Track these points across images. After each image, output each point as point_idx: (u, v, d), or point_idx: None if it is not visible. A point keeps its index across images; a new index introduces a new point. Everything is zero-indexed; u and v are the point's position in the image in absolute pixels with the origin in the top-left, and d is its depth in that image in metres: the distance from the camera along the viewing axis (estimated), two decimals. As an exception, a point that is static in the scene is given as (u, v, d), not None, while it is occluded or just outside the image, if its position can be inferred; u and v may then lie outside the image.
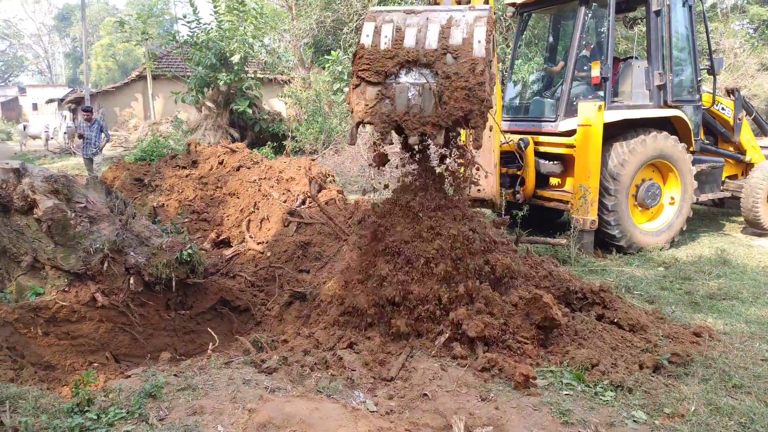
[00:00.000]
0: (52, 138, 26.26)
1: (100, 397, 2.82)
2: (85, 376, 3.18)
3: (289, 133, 16.69)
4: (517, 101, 8.63)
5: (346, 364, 3.46)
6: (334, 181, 7.96)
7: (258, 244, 6.60)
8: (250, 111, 16.97)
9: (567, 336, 3.85)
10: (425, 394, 3.15)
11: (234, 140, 15.37)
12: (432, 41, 3.77)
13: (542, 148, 7.53)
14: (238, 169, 8.30)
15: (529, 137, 7.50)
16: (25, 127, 28.66)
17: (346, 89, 20.25)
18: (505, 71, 9.00)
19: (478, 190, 7.37)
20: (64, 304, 4.16)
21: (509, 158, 7.71)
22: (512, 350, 3.64)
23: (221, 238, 7.09)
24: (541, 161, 7.49)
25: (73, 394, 3.00)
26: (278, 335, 4.25)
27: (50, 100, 43.26)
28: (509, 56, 10.51)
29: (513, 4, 8.26)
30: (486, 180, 7.29)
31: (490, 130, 6.99)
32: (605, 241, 7.16)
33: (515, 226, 6.86)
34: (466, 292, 3.77)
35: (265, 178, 7.75)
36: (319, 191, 7.31)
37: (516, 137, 7.56)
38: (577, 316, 4.14)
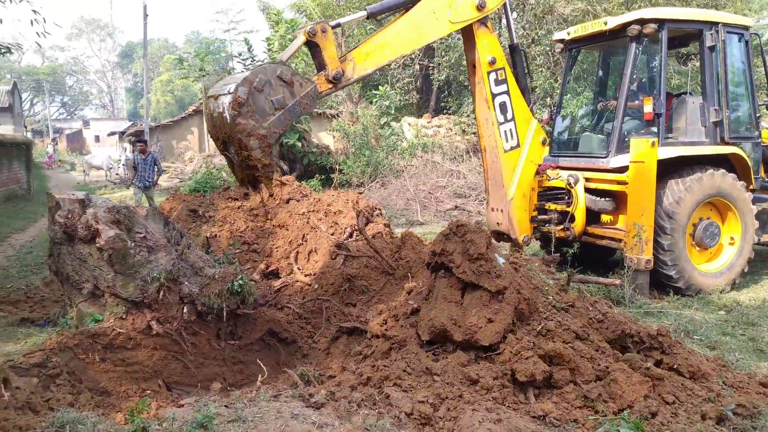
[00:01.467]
0: (115, 171, 27.60)
1: (154, 426, 2.89)
2: (140, 404, 3.26)
3: (337, 166, 16.99)
4: (566, 136, 8.54)
5: (393, 402, 3.42)
6: (381, 214, 7.99)
7: (305, 276, 6.67)
8: (299, 144, 17.40)
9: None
10: (474, 437, 3.07)
11: (284, 173, 15.71)
12: (226, 119, 5.14)
13: (592, 185, 7.40)
14: (287, 202, 8.45)
15: (578, 173, 7.39)
16: (88, 159, 30.29)
17: (393, 123, 20.64)
18: (554, 106, 8.93)
19: (498, 223, 7.47)
20: (121, 331, 4.29)
21: (559, 194, 7.60)
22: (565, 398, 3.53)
23: (270, 269, 7.19)
24: (592, 197, 7.34)
25: (128, 420, 3.08)
26: (325, 369, 4.25)
27: (112, 133, 45.78)
28: (558, 91, 10.47)
29: (561, 41, 8.26)
30: (502, 214, 7.35)
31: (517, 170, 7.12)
32: (661, 281, 6.90)
33: (565, 264, 6.71)
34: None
35: (313, 211, 7.86)
36: (366, 224, 7.35)
37: (565, 173, 7.46)
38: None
